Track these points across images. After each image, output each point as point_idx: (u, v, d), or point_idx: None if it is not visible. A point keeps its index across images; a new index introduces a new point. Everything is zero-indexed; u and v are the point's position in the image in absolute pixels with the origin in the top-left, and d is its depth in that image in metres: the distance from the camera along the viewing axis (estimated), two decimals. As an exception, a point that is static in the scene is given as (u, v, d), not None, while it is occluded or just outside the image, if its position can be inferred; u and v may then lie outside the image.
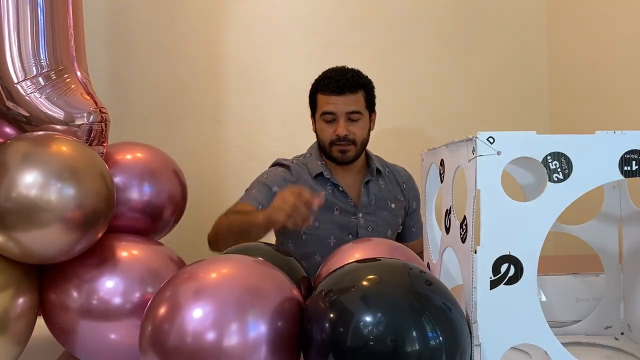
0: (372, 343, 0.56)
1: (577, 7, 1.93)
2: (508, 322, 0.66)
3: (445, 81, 2.14)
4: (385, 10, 2.12)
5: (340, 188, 1.51)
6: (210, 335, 0.58)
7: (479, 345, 0.65)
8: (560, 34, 2.07)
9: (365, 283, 0.61)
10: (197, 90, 2.08)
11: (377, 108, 2.08)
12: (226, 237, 1.33)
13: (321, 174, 1.51)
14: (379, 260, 0.69)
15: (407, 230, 1.61)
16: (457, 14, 2.14)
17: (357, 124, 1.46)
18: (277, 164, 1.55)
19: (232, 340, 0.59)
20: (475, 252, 0.65)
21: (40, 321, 0.83)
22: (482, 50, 2.14)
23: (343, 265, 0.69)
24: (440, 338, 0.57)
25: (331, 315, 0.59)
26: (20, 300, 0.76)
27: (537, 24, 2.15)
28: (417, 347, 0.56)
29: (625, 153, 0.66)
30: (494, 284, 0.65)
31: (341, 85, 1.44)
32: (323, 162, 1.52)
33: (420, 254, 1.20)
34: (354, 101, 1.45)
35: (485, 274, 0.65)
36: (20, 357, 0.80)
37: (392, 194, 1.56)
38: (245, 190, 1.51)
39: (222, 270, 0.66)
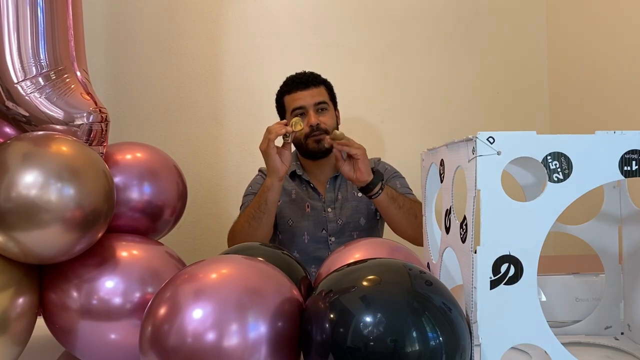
0: (372, 343, 0.56)
1: (577, 6, 1.93)
2: (508, 322, 0.66)
3: (445, 81, 2.14)
4: (385, 11, 2.12)
5: (312, 185, 1.60)
6: (210, 336, 0.58)
7: (479, 345, 0.65)
8: (560, 34, 2.07)
9: (365, 283, 0.61)
10: (197, 90, 2.08)
11: (377, 107, 2.09)
12: (249, 223, 1.42)
13: (294, 172, 1.61)
14: (379, 260, 0.69)
15: None
16: (457, 14, 2.14)
17: (326, 114, 1.55)
18: (257, 173, 1.68)
19: (232, 340, 0.59)
20: (475, 252, 0.65)
21: (40, 321, 0.83)
22: (482, 50, 2.14)
23: (343, 266, 0.69)
24: (440, 338, 0.57)
25: (331, 316, 0.59)
26: (20, 300, 0.76)
27: (537, 24, 2.15)
28: (417, 348, 0.56)
29: (625, 153, 0.66)
30: (494, 284, 0.65)
31: (304, 81, 1.55)
32: (297, 162, 1.63)
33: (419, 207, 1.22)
34: (319, 93, 1.55)
35: (485, 274, 0.65)
36: (20, 357, 0.80)
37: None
38: (240, 208, 1.61)
39: (222, 271, 0.66)
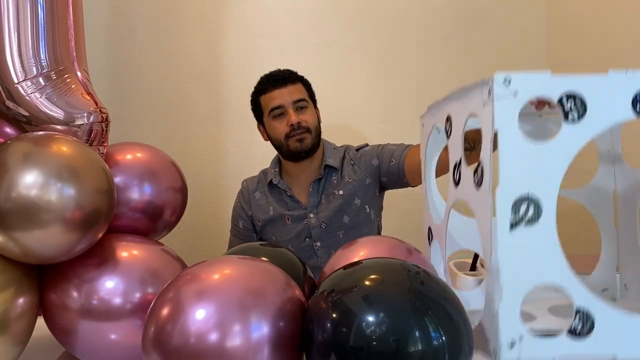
0: (374, 343, 0.56)
1: (577, 6, 1.93)
2: (528, 263, 0.66)
3: (445, 81, 2.13)
4: (385, 10, 2.12)
5: (289, 194, 1.52)
6: (213, 336, 0.58)
7: (501, 287, 0.65)
8: (560, 34, 2.07)
9: (367, 283, 0.61)
10: (197, 90, 2.08)
11: (377, 107, 2.08)
12: None
13: (271, 181, 1.54)
14: (382, 260, 0.69)
15: (391, 165, 1.52)
16: (456, 14, 2.14)
17: (307, 112, 1.48)
18: (240, 188, 1.64)
19: (234, 340, 0.58)
20: (494, 195, 0.65)
21: (40, 321, 0.83)
22: (481, 50, 2.14)
23: (345, 265, 0.69)
24: (443, 338, 0.57)
25: (333, 316, 0.59)
26: (20, 300, 0.76)
27: (537, 24, 2.15)
28: (420, 347, 0.56)
29: (639, 93, 0.66)
30: (513, 225, 0.65)
31: (280, 79, 1.47)
32: (276, 170, 1.56)
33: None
34: (297, 90, 1.48)
35: (504, 215, 0.65)
36: (20, 357, 0.80)
37: (339, 182, 1.52)
38: (231, 231, 1.63)
39: (224, 271, 0.65)
